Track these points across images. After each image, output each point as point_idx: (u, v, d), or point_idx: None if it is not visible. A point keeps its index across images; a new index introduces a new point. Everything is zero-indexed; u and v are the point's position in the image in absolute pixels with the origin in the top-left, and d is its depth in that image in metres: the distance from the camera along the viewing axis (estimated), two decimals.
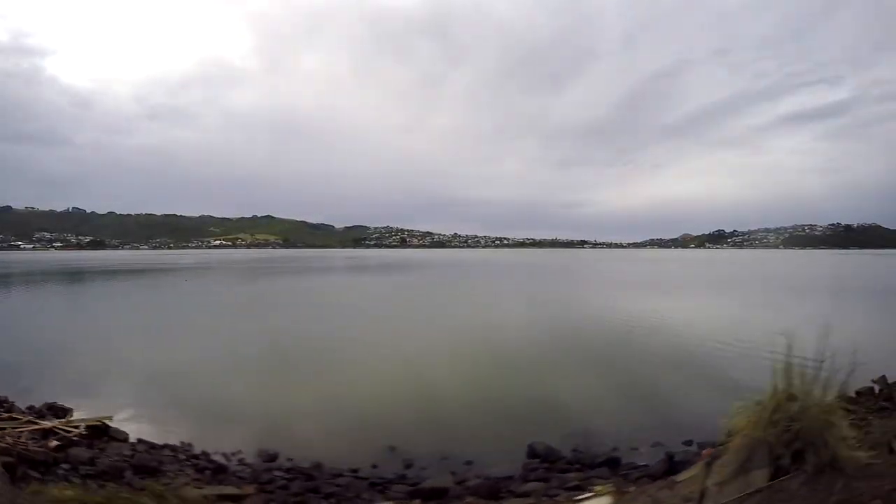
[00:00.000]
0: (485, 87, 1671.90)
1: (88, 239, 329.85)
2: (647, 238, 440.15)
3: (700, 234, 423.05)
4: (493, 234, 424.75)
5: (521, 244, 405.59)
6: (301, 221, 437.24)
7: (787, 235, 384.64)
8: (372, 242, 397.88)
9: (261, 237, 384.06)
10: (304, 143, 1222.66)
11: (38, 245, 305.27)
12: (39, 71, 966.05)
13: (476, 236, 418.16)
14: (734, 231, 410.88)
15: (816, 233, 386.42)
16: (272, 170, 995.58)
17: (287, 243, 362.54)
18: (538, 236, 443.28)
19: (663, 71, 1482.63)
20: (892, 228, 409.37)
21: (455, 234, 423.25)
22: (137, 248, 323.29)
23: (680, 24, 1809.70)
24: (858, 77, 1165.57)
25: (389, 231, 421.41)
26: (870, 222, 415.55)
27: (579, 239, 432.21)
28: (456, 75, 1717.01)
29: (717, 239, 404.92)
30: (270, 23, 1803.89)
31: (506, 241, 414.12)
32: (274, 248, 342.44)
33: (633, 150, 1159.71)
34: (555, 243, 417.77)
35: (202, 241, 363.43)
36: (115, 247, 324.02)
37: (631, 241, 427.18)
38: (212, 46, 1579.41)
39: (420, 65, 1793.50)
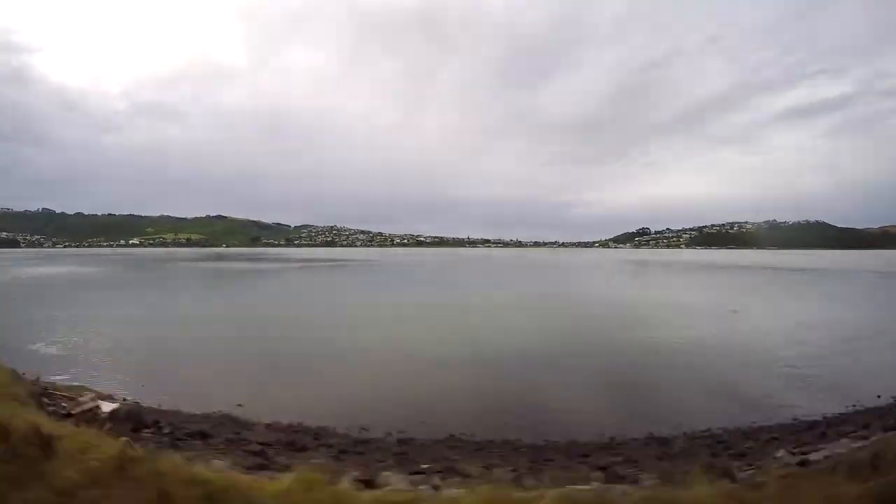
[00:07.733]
0: (475, 83, 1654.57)
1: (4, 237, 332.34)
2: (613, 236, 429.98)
3: (623, 233, 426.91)
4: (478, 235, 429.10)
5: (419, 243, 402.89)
6: (252, 221, 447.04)
7: (694, 234, 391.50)
8: (303, 241, 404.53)
9: (183, 236, 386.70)
10: (291, 141, 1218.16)
11: None
12: (28, 68, 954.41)
13: (391, 235, 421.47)
14: (667, 229, 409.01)
15: (733, 232, 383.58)
16: (260, 168, 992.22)
17: (189, 242, 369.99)
18: (528, 237, 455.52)
19: (656, 62, 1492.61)
20: (838, 226, 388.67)
21: (393, 234, 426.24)
22: (62, 247, 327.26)
23: (674, 13, 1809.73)
24: (862, 69, 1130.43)
25: (333, 229, 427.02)
26: (815, 219, 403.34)
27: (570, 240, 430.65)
28: (445, 71, 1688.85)
29: (641, 236, 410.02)
30: (258, 20, 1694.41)
31: (420, 238, 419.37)
32: (175, 247, 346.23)
33: (627, 147, 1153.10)
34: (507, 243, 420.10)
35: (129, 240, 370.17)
36: (50, 245, 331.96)
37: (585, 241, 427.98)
38: (200, 43, 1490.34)
39: (409, 61, 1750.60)
